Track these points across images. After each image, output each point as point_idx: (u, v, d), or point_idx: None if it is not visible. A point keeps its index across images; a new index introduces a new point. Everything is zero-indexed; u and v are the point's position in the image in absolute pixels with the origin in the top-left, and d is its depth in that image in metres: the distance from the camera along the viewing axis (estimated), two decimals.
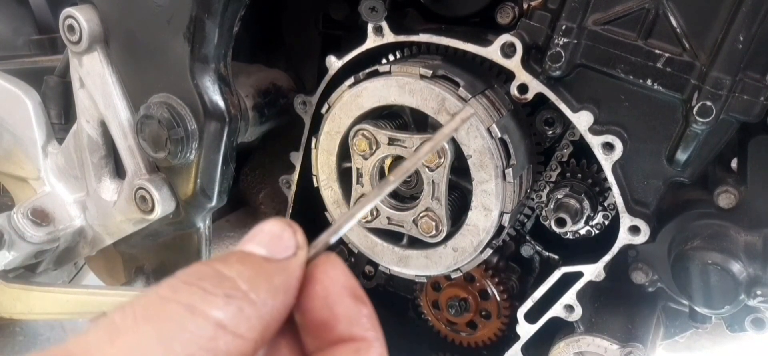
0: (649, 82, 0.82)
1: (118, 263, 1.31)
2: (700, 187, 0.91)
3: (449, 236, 0.94)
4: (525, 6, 0.89)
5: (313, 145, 1.02)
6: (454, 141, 0.88)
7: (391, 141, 0.91)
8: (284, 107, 1.16)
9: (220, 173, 1.03)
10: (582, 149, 0.92)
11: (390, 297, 1.30)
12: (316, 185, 1.04)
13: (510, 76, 0.88)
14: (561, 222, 0.92)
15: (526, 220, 1.06)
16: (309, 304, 0.45)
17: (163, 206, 1.07)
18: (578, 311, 0.97)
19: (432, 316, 1.23)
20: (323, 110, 0.99)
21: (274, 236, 0.46)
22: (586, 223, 0.97)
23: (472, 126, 0.86)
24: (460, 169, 0.91)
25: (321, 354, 0.44)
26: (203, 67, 0.96)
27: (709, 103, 0.78)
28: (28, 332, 2.55)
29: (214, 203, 1.07)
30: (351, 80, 0.95)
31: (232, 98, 1.00)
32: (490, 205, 0.89)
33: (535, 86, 0.86)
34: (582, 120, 0.86)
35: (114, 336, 0.36)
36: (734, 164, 0.90)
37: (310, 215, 1.14)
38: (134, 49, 1.01)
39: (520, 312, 1.02)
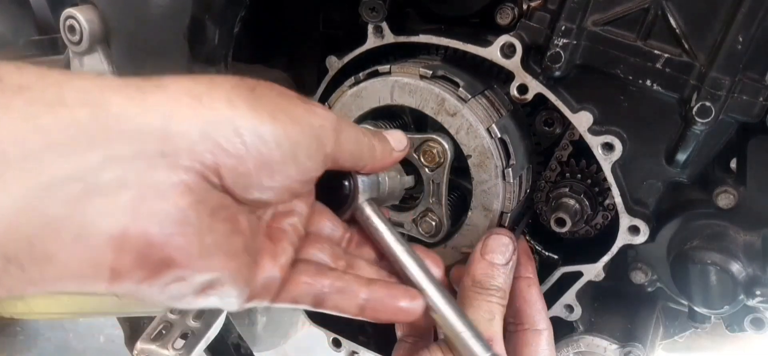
0: (648, 82, 0.82)
1: None
2: (699, 187, 0.91)
3: (449, 236, 0.94)
4: (524, 6, 0.89)
5: None
6: (454, 141, 0.88)
7: None
8: None
9: None
10: (581, 149, 0.92)
11: None
12: None
13: (510, 76, 0.89)
14: (561, 222, 0.92)
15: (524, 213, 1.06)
16: (518, 295, 0.87)
17: None
18: (578, 311, 0.97)
19: None
20: None
21: (505, 249, 0.84)
22: (586, 223, 0.97)
23: (472, 126, 0.86)
24: (460, 169, 0.91)
25: (517, 333, 0.85)
26: (204, 68, 0.96)
27: (708, 103, 0.78)
28: (28, 331, 2.56)
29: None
30: (351, 81, 0.95)
31: None
32: (490, 205, 0.89)
33: (535, 87, 0.87)
34: (581, 120, 0.86)
35: None
36: (733, 164, 0.90)
37: None
38: (135, 50, 1.01)
39: None
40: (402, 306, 0.69)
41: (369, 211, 0.75)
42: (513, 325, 0.86)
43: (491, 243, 0.85)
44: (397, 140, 0.78)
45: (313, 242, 0.71)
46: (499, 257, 0.84)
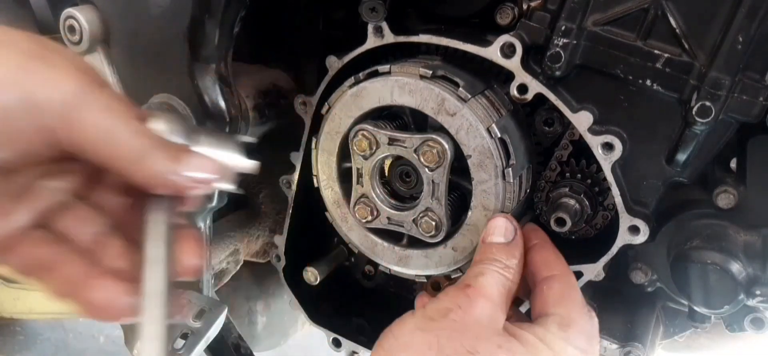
0: (648, 82, 0.82)
1: None
2: (699, 187, 0.91)
3: (449, 236, 0.94)
4: (524, 6, 0.89)
5: (313, 145, 1.02)
6: (454, 141, 0.88)
7: (391, 141, 0.91)
8: (284, 107, 1.16)
9: None
10: (581, 149, 0.93)
11: (390, 297, 1.30)
12: (316, 185, 1.04)
13: (510, 76, 0.89)
14: (561, 222, 0.92)
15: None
16: (529, 262, 0.85)
17: None
18: None
19: None
20: (323, 111, 0.99)
21: (504, 229, 0.85)
22: (586, 223, 0.97)
23: (472, 126, 0.86)
24: (460, 169, 0.91)
25: (533, 292, 0.84)
26: (204, 68, 0.96)
27: (708, 103, 0.78)
28: (28, 331, 2.56)
29: (214, 203, 1.07)
30: (351, 81, 0.95)
31: (232, 98, 1.00)
32: (489, 205, 0.89)
33: (535, 87, 0.87)
34: (581, 120, 0.86)
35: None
36: (733, 164, 0.90)
37: (310, 216, 1.15)
38: (135, 50, 1.01)
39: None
40: (95, 300, 0.62)
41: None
42: (533, 287, 0.85)
43: (489, 227, 0.86)
44: (202, 166, 0.63)
45: (77, 211, 0.65)
46: (498, 236, 0.85)
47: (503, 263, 0.81)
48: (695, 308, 0.94)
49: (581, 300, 0.82)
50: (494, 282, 0.79)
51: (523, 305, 0.94)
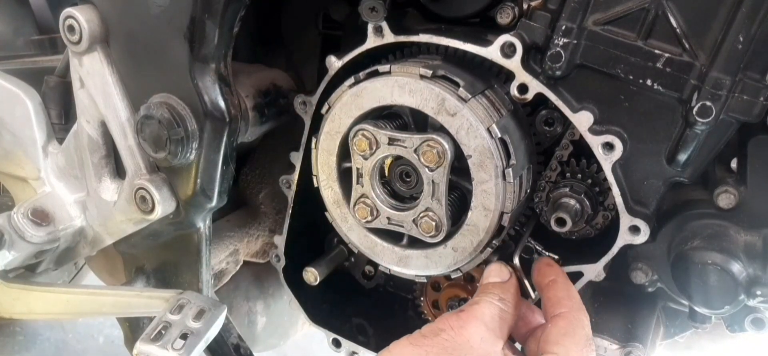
0: (648, 82, 0.82)
1: (119, 262, 1.32)
2: (700, 187, 0.91)
3: (449, 236, 0.94)
4: (525, 6, 0.89)
5: (313, 145, 1.02)
6: (454, 141, 0.88)
7: (391, 141, 0.91)
8: (284, 107, 1.16)
9: (220, 173, 1.03)
10: (582, 148, 0.92)
11: (390, 297, 1.30)
12: (316, 185, 1.04)
13: (510, 76, 0.89)
14: (561, 222, 0.92)
15: (526, 220, 1.06)
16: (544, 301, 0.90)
17: (163, 206, 1.07)
18: None
19: (432, 316, 1.23)
20: (323, 110, 0.99)
21: (499, 271, 0.94)
22: (587, 223, 0.97)
23: (472, 126, 0.86)
24: (460, 169, 0.91)
25: (546, 326, 0.86)
26: (203, 67, 0.96)
27: (708, 103, 0.78)
28: (27, 332, 2.55)
29: (214, 203, 1.07)
30: (351, 80, 0.95)
31: (232, 98, 1.00)
32: (490, 205, 0.89)
33: (535, 86, 0.87)
34: (582, 120, 0.86)
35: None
36: (734, 164, 0.90)
37: (310, 216, 1.14)
38: (135, 49, 1.01)
39: None
40: None
41: None
42: (545, 322, 0.88)
43: (485, 272, 0.95)
44: None
45: None
46: (494, 277, 0.93)
47: (498, 296, 0.88)
48: (696, 308, 0.94)
49: (584, 337, 0.84)
50: (488, 309, 0.86)
51: None
